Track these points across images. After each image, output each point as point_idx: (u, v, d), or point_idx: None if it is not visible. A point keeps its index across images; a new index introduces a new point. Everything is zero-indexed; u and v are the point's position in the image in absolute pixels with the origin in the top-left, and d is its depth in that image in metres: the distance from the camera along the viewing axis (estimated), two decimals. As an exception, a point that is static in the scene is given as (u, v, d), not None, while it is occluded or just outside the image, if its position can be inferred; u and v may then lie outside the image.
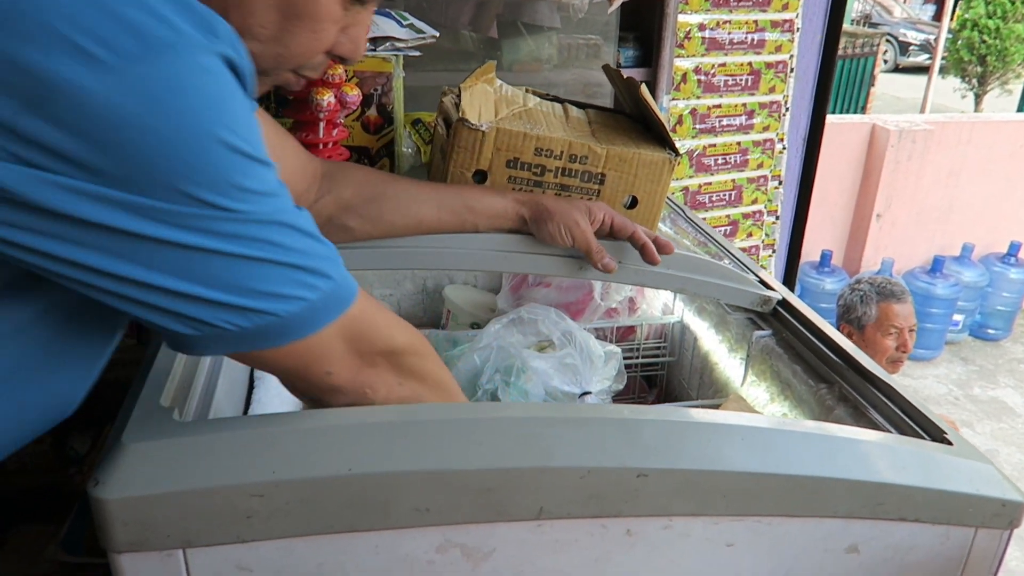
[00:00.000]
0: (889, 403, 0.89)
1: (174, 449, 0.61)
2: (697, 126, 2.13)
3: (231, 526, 0.60)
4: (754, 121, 2.22)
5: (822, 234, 4.06)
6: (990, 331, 4.22)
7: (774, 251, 2.47)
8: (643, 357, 1.35)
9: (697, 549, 0.71)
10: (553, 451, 0.65)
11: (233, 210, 0.50)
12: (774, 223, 2.41)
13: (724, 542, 0.71)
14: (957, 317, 4.03)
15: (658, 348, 1.37)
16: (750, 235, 2.38)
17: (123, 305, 0.52)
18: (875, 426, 0.87)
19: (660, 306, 1.39)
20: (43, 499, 1.47)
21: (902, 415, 0.86)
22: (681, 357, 1.35)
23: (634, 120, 1.16)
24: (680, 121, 2.10)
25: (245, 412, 1.00)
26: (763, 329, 1.11)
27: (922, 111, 6.82)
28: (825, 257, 3.91)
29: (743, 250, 1.69)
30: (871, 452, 0.74)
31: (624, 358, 1.30)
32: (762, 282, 1.13)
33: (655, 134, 1.10)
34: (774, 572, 0.74)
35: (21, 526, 1.40)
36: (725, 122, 2.18)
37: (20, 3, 0.44)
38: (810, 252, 4.01)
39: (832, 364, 0.98)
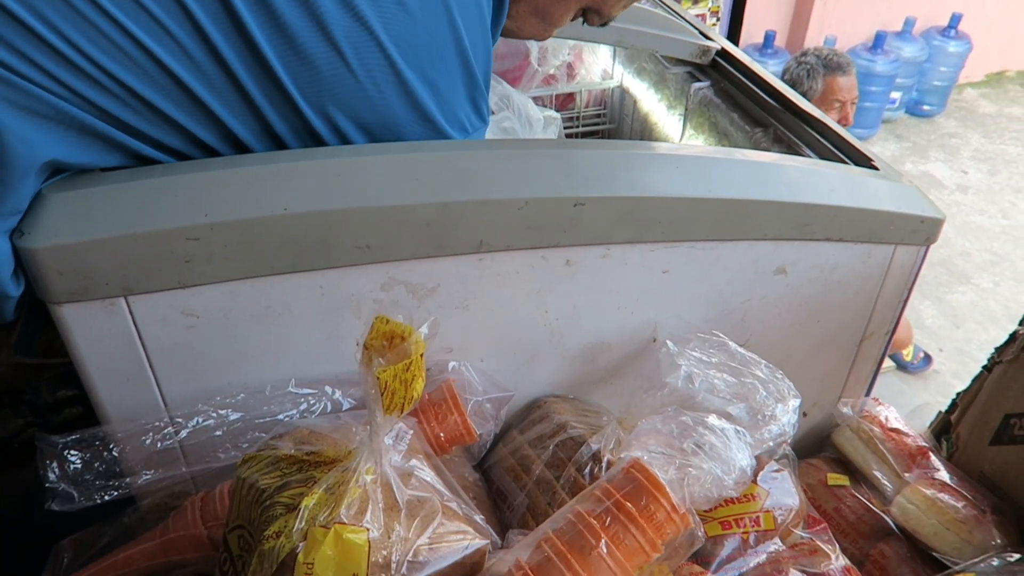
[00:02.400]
0: (821, 138, 0.90)
1: (100, 196, 0.59)
2: None
3: (170, 271, 0.60)
4: None
5: (765, 14, 3.95)
6: (925, 107, 4.27)
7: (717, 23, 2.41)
8: (583, 125, 1.34)
9: (634, 276, 0.74)
10: (491, 183, 0.65)
11: None
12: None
13: (660, 268, 0.74)
14: (895, 95, 4.07)
15: (598, 116, 1.36)
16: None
17: None
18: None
19: (599, 72, 1.36)
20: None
21: (833, 148, 0.88)
22: (621, 123, 1.34)
23: None
24: None
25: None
26: (701, 81, 1.10)
27: None
28: (768, 38, 3.83)
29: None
30: (800, 176, 0.76)
31: (564, 128, 1.28)
32: (701, 33, 1.10)
33: None
34: (707, 295, 0.78)
35: (-31, 333, 1.39)
36: None
37: None
38: (753, 34, 3.93)
39: (768, 108, 0.99)
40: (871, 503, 0.88)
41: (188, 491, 0.70)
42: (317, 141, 0.65)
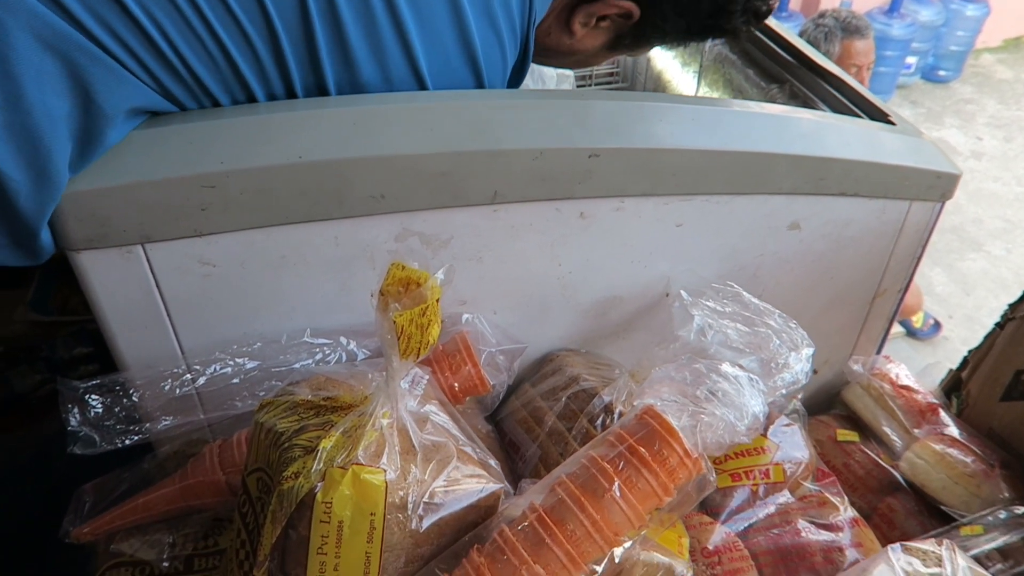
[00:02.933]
0: (838, 94, 0.89)
1: (119, 145, 0.59)
2: None
3: (187, 219, 0.61)
4: None
5: (781, -24, 3.88)
6: (941, 73, 4.21)
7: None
8: (596, 84, 1.33)
9: (648, 229, 0.74)
10: (505, 134, 0.65)
11: None
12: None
13: (674, 222, 0.74)
14: (910, 60, 4.01)
15: (611, 74, 1.34)
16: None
17: None
18: (823, 115, 0.88)
19: (612, 30, 1.34)
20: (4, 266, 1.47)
21: (849, 103, 0.87)
22: (634, 83, 1.33)
23: None
24: None
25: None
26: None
27: None
28: (784, 2, 3.77)
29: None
30: (815, 130, 0.76)
31: (577, 86, 1.27)
32: (717, -12, 1.08)
33: None
34: (720, 249, 0.78)
35: (-13, 291, 1.41)
36: None
37: None
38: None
39: (784, 63, 0.98)
40: (880, 458, 0.88)
41: (205, 438, 0.71)
42: None
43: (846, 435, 0.92)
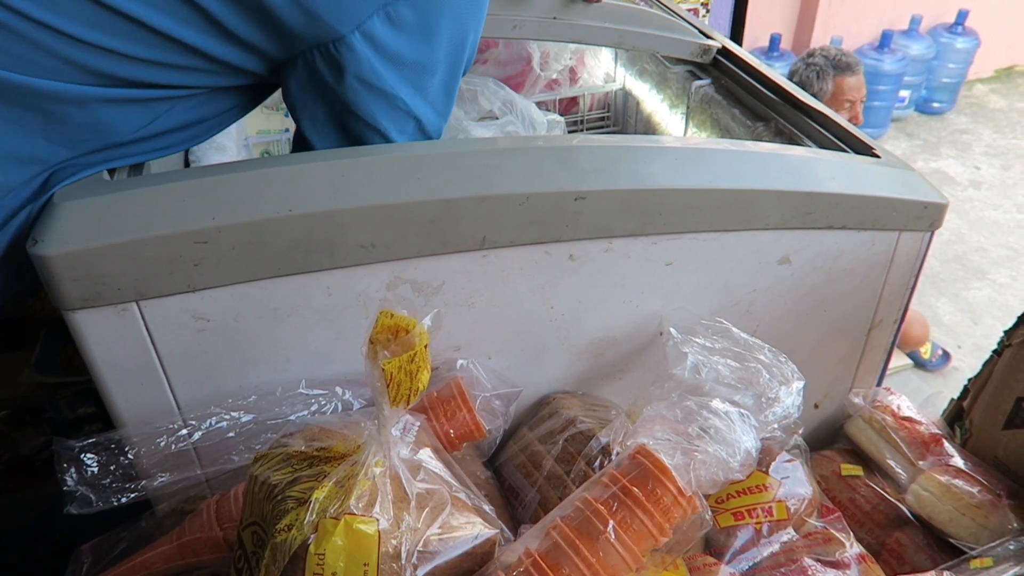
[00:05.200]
0: (822, 130, 0.91)
1: (110, 203, 0.60)
2: None
3: (180, 275, 0.62)
4: None
5: (770, 16, 3.96)
6: (935, 104, 4.25)
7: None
8: (587, 129, 1.35)
9: (638, 269, 0.74)
10: (492, 179, 0.66)
11: None
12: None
13: (663, 260, 0.75)
14: (903, 93, 4.05)
15: (602, 119, 1.37)
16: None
17: None
18: (808, 151, 0.90)
19: (602, 75, 1.37)
20: (9, 329, 1.48)
21: (834, 138, 0.89)
22: (625, 125, 1.35)
23: None
24: None
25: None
26: (702, 79, 1.10)
27: None
28: (774, 41, 3.83)
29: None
30: (800, 165, 0.77)
31: (568, 131, 1.30)
32: (701, 32, 1.11)
33: None
34: (712, 286, 0.78)
35: (-8, 357, 1.42)
36: None
37: None
38: (759, 37, 3.93)
39: (769, 102, 0.99)
40: (886, 492, 0.87)
41: (203, 494, 0.71)
42: None
43: (850, 469, 0.91)
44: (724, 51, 1.10)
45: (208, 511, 0.68)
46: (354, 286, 0.67)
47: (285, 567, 0.51)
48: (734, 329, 0.65)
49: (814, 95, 2.22)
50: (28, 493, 1.26)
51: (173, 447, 0.66)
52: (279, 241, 0.62)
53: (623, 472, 0.56)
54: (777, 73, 1.01)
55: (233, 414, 0.68)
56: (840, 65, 2.18)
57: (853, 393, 0.94)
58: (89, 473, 0.64)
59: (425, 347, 0.54)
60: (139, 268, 0.60)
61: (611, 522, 0.53)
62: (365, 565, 0.51)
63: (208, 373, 0.68)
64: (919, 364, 2.55)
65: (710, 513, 0.55)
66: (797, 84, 2.24)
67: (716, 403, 0.56)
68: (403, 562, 0.52)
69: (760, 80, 1.02)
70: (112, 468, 0.65)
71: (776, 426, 0.57)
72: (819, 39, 4.03)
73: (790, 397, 0.58)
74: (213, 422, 0.68)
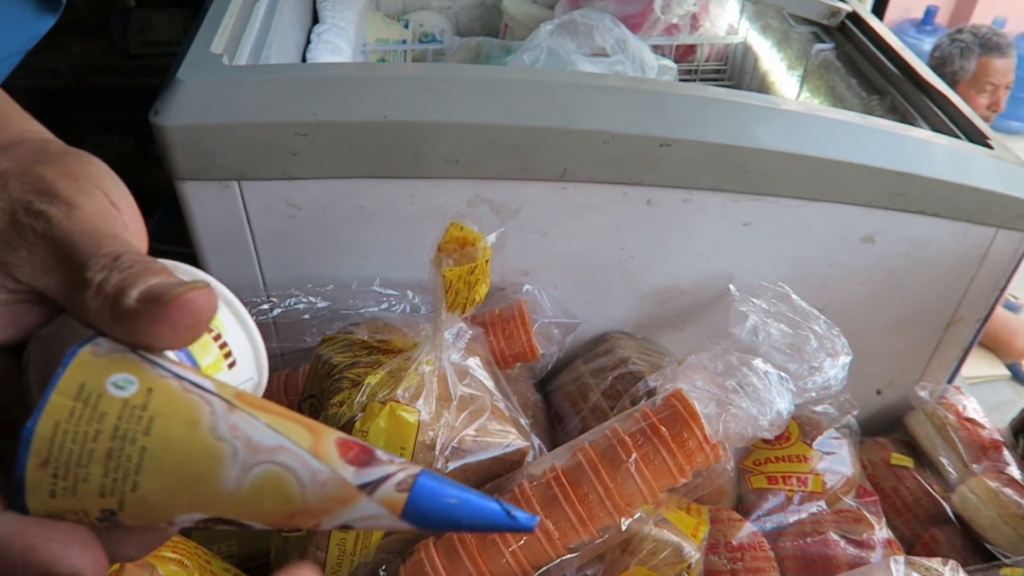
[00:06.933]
0: (939, 111, 0.87)
1: (226, 86, 0.65)
2: None
3: (278, 162, 0.66)
4: None
5: (931, -13, 3.68)
6: (1099, 106, 3.89)
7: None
8: (700, 79, 1.32)
9: (714, 225, 0.75)
10: (580, 114, 0.68)
11: None
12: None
13: (741, 220, 0.75)
14: (1065, 89, 3.72)
15: (718, 71, 1.34)
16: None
17: None
18: (918, 131, 0.86)
19: (724, 26, 1.33)
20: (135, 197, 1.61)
21: (949, 122, 0.85)
22: (740, 81, 1.32)
23: None
24: None
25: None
26: (825, 43, 1.06)
27: None
28: (929, 13, 3.58)
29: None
30: (901, 143, 0.74)
31: (681, 79, 1.28)
32: (833, -7, 1.06)
33: None
34: (786, 253, 0.78)
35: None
36: None
37: None
38: (913, 8, 3.68)
39: (890, 75, 0.95)
40: (932, 488, 0.86)
41: (275, 367, 0.78)
42: None
43: (900, 460, 0.90)
44: (854, 16, 1.05)
45: (278, 381, 0.74)
46: (436, 199, 0.71)
47: (332, 437, 0.57)
48: (794, 296, 0.65)
49: (952, 73, 2.08)
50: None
51: (256, 318, 0.72)
52: (371, 143, 0.66)
53: (655, 411, 0.58)
54: (906, 48, 0.97)
55: (311, 299, 0.74)
56: (989, 44, 2.02)
57: (920, 386, 0.92)
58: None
59: (487, 262, 0.57)
60: (243, 150, 0.65)
61: (634, 454, 0.56)
62: (402, 449, 0.56)
63: (294, 258, 0.73)
64: (1018, 377, 2.42)
65: (732, 464, 0.57)
66: (938, 59, 2.11)
67: (758, 362, 0.57)
68: (436, 453, 0.57)
69: (885, 51, 0.98)
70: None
71: (814, 394, 0.58)
72: (980, 17, 3.74)
73: (834, 369, 0.58)
74: (292, 303, 0.73)
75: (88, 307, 0.28)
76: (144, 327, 0.27)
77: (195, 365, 0.33)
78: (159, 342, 0.28)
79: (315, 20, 1.11)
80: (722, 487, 0.78)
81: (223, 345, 0.36)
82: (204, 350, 0.34)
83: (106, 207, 0.31)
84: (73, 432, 0.26)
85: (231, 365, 0.36)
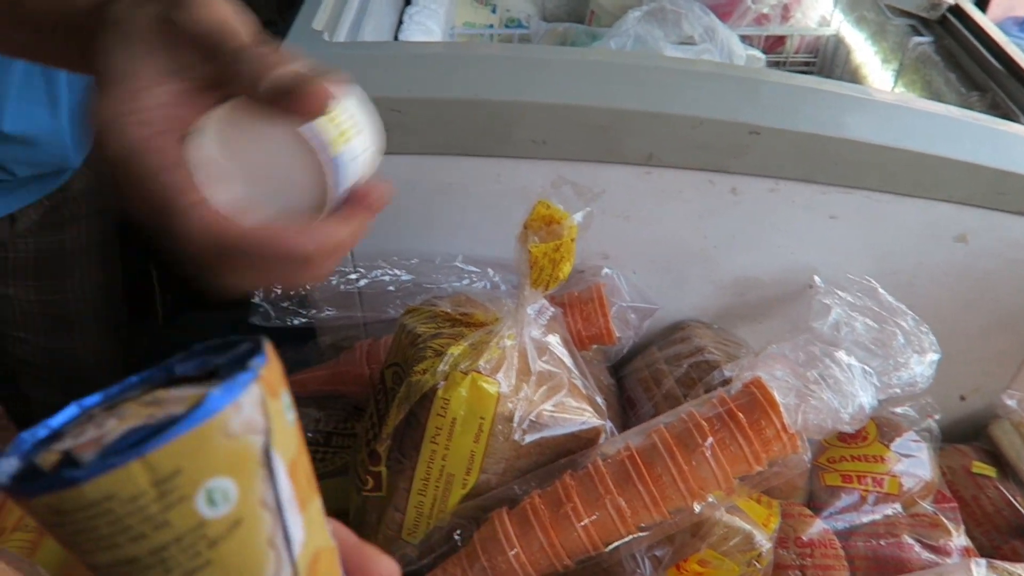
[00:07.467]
0: (1045, 109, 0.84)
1: (326, 62, 0.68)
2: None
3: (373, 137, 0.69)
4: None
5: (1039, -16, 3.49)
6: None
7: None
8: (789, 70, 1.29)
9: (799, 216, 0.74)
10: (668, 98, 0.68)
11: None
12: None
13: (828, 213, 0.74)
14: None
15: (808, 64, 1.31)
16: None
17: None
18: (1021, 129, 0.83)
19: (817, 18, 1.30)
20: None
21: (1055, 120, 0.81)
22: (831, 74, 1.29)
23: None
24: None
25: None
26: (923, 36, 1.03)
27: None
28: (1035, 11, 3.40)
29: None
30: (1002, 140, 0.72)
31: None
32: (935, -16, 1.03)
33: None
34: (874, 249, 0.76)
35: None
36: None
37: None
38: (1017, 4, 3.50)
39: (992, 71, 0.92)
40: (1015, 499, 0.83)
41: (359, 336, 0.81)
42: None
43: (982, 468, 0.87)
44: (955, 9, 1.01)
45: (361, 349, 0.77)
46: (521, 178, 0.72)
47: (415, 403, 0.59)
48: (881, 290, 0.64)
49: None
50: (216, 313, 1.44)
51: (341, 287, 0.75)
52: (460, 121, 0.68)
53: (733, 398, 0.58)
54: (1010, 42, 0.93)
55: (396, 271, 0.76)
56: None
57: (1007, 394, 0.89)
58: (273, 294, 0.75)
59: (572, 240, 0.58)
60: (340, 124, 0.67)
61: (710, 439, 0.56)
62: (481, 419, 0.58)
63: (381, 230, 0.75)
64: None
65: (809, 455, 0.56)
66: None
67: (841, 354, 0.56)
68: (514, 425, 0.59)
69: (988, 46, 0.94)
70: (291, 293, 0.75)
71: (899, 391, 0.57)
72: (1092, 17, 3.53)
73: (920, 366, 0.57)
74: (378, 274, 0.76)
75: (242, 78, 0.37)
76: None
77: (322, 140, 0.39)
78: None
79: (408, 1, 1.13)
80: (793, 481, 0.78)
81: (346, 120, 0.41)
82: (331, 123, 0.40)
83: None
84: (116, 517, 0.20)
85: (353, 137, 0.41)
